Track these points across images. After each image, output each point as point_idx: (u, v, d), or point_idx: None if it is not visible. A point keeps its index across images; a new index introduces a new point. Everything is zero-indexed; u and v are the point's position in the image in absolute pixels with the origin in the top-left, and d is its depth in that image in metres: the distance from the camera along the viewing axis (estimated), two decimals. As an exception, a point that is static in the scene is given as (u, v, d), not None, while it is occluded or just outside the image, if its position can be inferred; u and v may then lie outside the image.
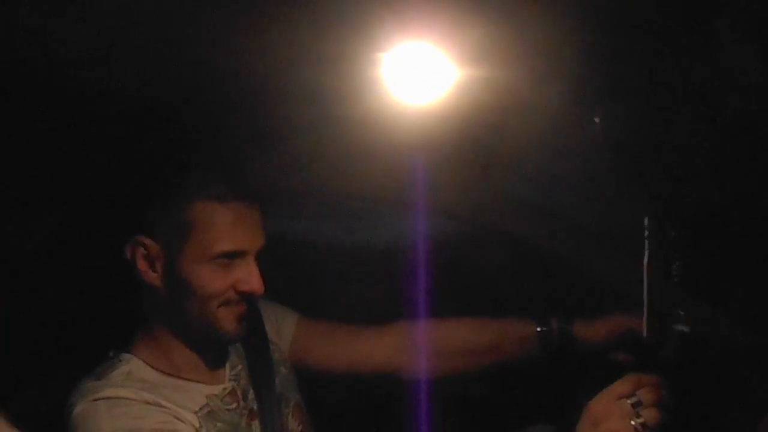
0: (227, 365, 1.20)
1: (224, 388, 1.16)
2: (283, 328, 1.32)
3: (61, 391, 1.07)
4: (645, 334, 1.02)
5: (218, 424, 1.10)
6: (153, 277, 1.10)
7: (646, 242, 0.96)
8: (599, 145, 1.02)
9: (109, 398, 1.02)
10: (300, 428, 1.25)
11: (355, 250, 1.53)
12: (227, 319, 1.10)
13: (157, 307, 1.12)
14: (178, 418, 1.04)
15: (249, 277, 1.09)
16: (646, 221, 0.95)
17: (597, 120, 0.99)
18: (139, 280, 1.10)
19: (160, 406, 1.04)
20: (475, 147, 1.17)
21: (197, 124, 1.18)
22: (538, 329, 1.28)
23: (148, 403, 1.03)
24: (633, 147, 1.01)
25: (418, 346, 1.31)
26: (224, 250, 1.07)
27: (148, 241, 1.09)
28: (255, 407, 1.19)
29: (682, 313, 1.06)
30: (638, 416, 0.97)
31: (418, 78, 1.02)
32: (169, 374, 1.11)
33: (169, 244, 1.08)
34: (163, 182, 1.10)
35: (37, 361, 1.24)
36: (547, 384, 1.36)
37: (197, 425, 1.07)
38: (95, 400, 1.01)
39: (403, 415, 1.25)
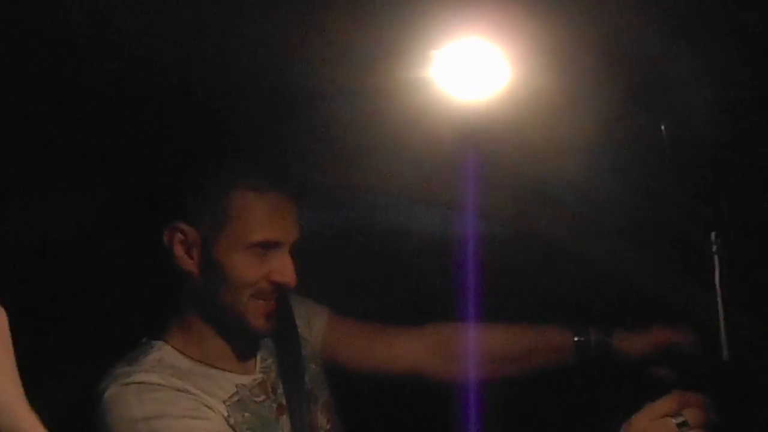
0: (258, 357, 1.20)
1: (254, 379, 1.15)
2: (314, 324, 1.30)
3: (93, 376, 1.06)
4: (724, 352, 0.97)
5: (246, 415, 1.09)
6: (189, 264, 1.10)
7: (716, 257, 0.91)
8: (660, 153, 0.97)
9: (139, 383, 1.02)
10: (329, 426, 1.23)
11: (399, 248, 1.50)
12: (256, 313, 1.10)
13: (191, 295, 1.12)
14: (207, 406, 1.04)
15: (283, 268, 1.09)
16: (713, 236, 0.91)
17: (663, 128, 0.94)
18: (175, 267, 1.11)
19: (190, 393, 1.03)
20: (524, 149, 1.12)
21: (241, 115, 1.16)
22: (576, 339, 1.25)
23: (178, 389, 1.03)
24: (698, 157, 0.96)
25: (451, 350, 1.29)
26: (260, 240, 1.07)
27: (186, 227, 1.09)
28: (284, 402, 1.18)
29: (742, 332, 1.01)
30: (684, 437, 0.94)
31: (469, 76, 0.99)
32: (200, 361, 1.11)
33: (206, 231, 1.08)
34: (204, 170, 1.10)
35: (71, 347, 1.24)
36: (584, 397, 1.32)
37: (225, 414, 1.06)
38: (126, 384, 1.02)
39: (432, 422, 1.23)
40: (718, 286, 0.94)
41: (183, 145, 1.15)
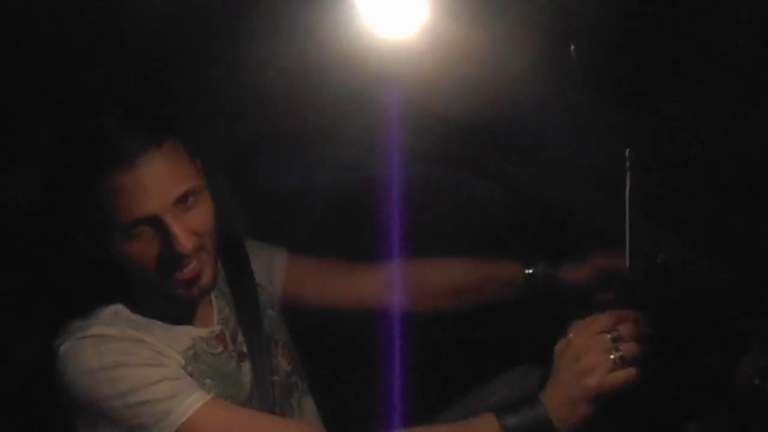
0: (215, 308, 1.19)
1: (212, 331, 1.15)
2: (274, 266, 1.30)
3: (50, 335, 1.06)
4: (627, 269, 1.01)
5: (201, 366, 1.09)
6: (103, 256, 1.05)
7: (627, 174, 0.94)
8: (576, 77, 0.98)
9: (95, 335, 1.01)
10: (290, 368, 1.25)
11: (335, 194, 1.50)
12: (176, 286, 1.05)
13: (124, 275, 1.08)
14: (162, 354, 1.04)
15: (171, 239, 1.00)
16: (627, 153, 0.93)
17: (572, 49, 0.94)
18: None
19: (146, 342, 1.03)
20: (452, 85, 1.12)
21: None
22: (526, 272, 1.27)
23: (134, 339, 1.02)
24: (612, 78, 0.97)
25: (406, 283, 1.30)
26: (127, 221, 0.99)
27: (83, 230, 1.04)
28: (244, 349, 1.18)
29: (661, 249, 1.04)
30: (617, 350, 0.97)
31: (392, 12, 0.97)
32: (157, 318, 1.10)
33: (95, 230, 1.02)
34: (62, 179, 1.03)
35: (29, 311, 1.23)
36: (530, 326, 1.35)
37: (183, 363, 1.06)
38: (82, 337, 1.01)
39: (388, 354, 1.25)
40: (627, 201, 0.96)
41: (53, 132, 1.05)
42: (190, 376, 1.06)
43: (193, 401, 0.99)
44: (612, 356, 0.97)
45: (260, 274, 1.29)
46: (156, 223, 1.00)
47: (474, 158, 1.28)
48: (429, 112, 1.19)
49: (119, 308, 1.08)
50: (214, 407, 1.01)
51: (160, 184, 0.99)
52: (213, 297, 1.20)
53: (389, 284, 1.31)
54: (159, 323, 1.09)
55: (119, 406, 0.97)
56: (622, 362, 0.97)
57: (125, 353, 1.00)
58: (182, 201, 1.01)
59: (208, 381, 1.08)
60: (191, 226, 1.02)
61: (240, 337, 1.19)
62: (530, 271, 1.27)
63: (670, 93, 0.96)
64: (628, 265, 1.01)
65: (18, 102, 1.14)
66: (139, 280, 1.07)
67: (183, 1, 1.02)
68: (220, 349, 1.15)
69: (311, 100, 1.20)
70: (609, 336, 0.98)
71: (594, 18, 0.94)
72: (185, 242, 1.00)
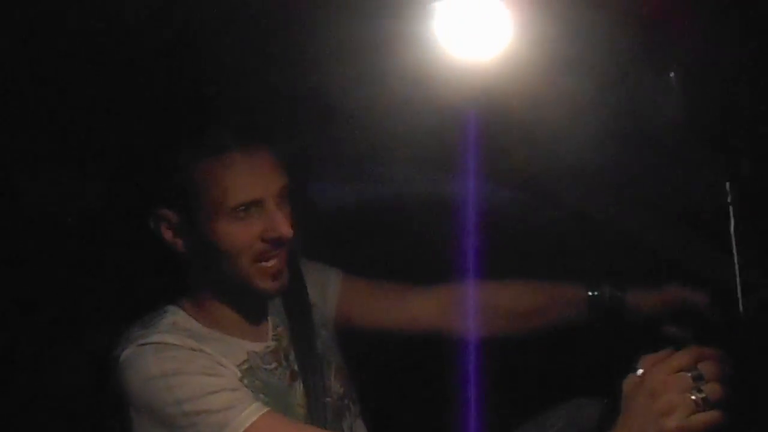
0: (270, 325, 1.18)
1: (267, 346, 1.14)
2: (328, 287, 1.29)
3: (110, 343, 1.05)
4: (740, 307, 0.93)
5: (256, 381, 1.08)
6: (181, 245, 1.08)
7: (731, 208, 0.87)
8: (669, 105, 0.92)
9: (156, 343, 1.01)
10: (342, 390, 1.22)
11: (402, 214, 1.46)
12: (261, 276, 1.07)
13: (193, 272, 1.10)
14: (220, 365, 1.03)
15: (272, 223, 1.05)
16: (728, 186, 0.86)
17: (672, 75, 0.89)
18: (170, 249, 1.08)
19: (204, 352, 1.03)
20: (529, 108, 1.08)
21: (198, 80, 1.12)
22: (589, 293, 1.22)
23: (193, 349, 1.02)
24: (709, 106, 0.91)
25: (465, 306, 1.27)
26: (236, 203, 1.03)
27: (166, 212, 1.07)
28: (296, 368, 1.16)
29: (757, 288, 0.96)
30: (699, 391, 0.90)
31: (472, 31, 0.94)
32: (212, 328, 1.10)
33: (185, 211, 1.06)
34: (160, 152, 1.07)
35: (88, 319, 1.23)
36: (595, 355, 1.29)
37: (239, 375, 1.06)
38: (143, 345, 1.01)
39: (446, 380, 1.20)
40: (733, 239, 0.90)
41: (136, 133, 1.12)
42: (246, 387, 1.05)
43: (249, 413, 0.98)
44: (693, 397, 0.90)
45: (314, 293, 1.27)
46: (260, 207, 1.04)
47: (554, 189, 1.23)
48: (508, 137, 1.14)
49: (178, 317, 1.08)
50: (270, 420, 0.99)
51: (268, 173, 1.06)
52: (269, 312, 1.18)
53: (447, 308, 1.27)
54: (215, 334, 1.09)
55: (177, 414, 0.96)
56: (705, 404, 0.90)
57: (184, 362, 1.00)
58: (281, 195, 1.07)
59: (262, 396, 1.06)
60: (286, 219, 1.07)
61: (292, 356, 1.17)
62: (595, 293, 1.21)
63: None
64: (741, 310, 0.93)
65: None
66: (217, 274, 1.07)
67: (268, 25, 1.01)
68: (274, 365, 1.13)
69: (384, 121, 1.17)
70: (689, 374, 0.91)
71: (699, 42, 0.89)
72: (286, 227, 1.05)
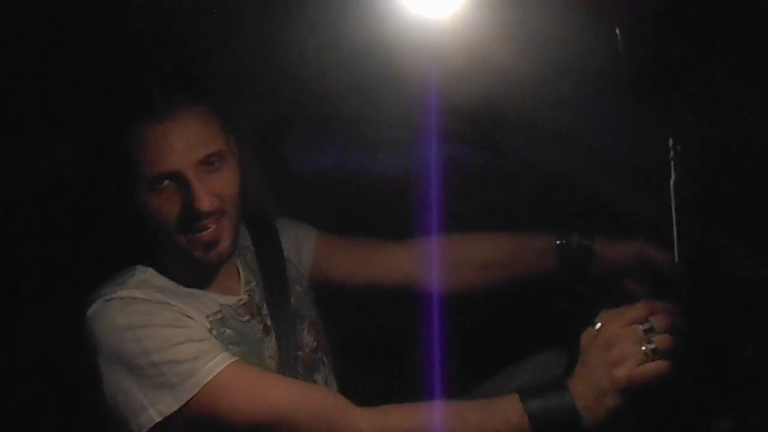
0: (242, 280, 1.19)
1: (239, 299, 1.15)
2: (303, 244, 1.30)
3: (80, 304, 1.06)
4: (671, 262, 0.96)
5: (227, 331, 1.09)
6: (129, 210, 1.05)
7: (672, 164, 0.89)
8: (621, 64, 0.92)
9: (122, 298, 1.01)
10: (315, 344, 1.24)
11: (368, 175, 1.47)
12: (193, 246, 1.05)
13: (150, 233, 1.08)
14: (188, 316, 1.03)
15: (191, 195, 1.01)
16: (671, 142, 0.87)
17: (618, 33, 0.89)
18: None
19: (171, 305, 1.03)
20: (490, 68, 1.08)
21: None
22: (557, 242, 1.23)
23: (159, 302, 1.02)
24: (656, 64, 0.92)
25: (438, 260, 1.28)
26: (151, 175, 1.00)
27: (110, 181, 1.05)
28: (269, 323, 1.17)
29: (708, 244, 0.99)
30: (650, 342, 0.93)
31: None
32: (182, 284, 1.10)
33: (115, 179, 1.04)
34: (84, 127, 1.06)
35: (57, 280, 1.24)
36: (557, 312, 1.32)
37: (208, 326, 1.06)
38: (109, 299, 1.01)
39: (414, 334, 1.22)
40: (672, 192, 0.92)
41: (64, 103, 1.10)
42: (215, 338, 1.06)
43: (217, 363, 0.99)
44: (644, 348, 0.93)
45: (289, 250, 1.28)
46: (180, 180, 1.01)
47: (508, 142, 1.24)
48: (465, 94, 1.14)
49: (147, 275, 1.08)
50: (238, 369, 1.00)
51: (188, 142, 1.00)
52: (240, 268, 1.19)
53: (419, 260, 1.28)
54: (186, 290, 1.09)
55: (145, 364, 0.97)
56: (654, 354, 0.93)
57: (151, 314, 1.00)
58: (207, 163, 1.02)
59: (232, 347, 1.07)
60: (213, 189, 1.02)
61: (265, 310, 1.18)
62: (563, 240, 1.23)
63: (719, 77, 0.90)
64: (676, 257, 0.96)
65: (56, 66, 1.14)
66: (163, 240, 1.06)
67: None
68: (247, 317, 1.14)
69: (345, 80, 1.16)
70: (641, 327, 0.94)
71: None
72: (204, 200, 1.00)
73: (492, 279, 1.27)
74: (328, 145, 1.48)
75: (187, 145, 1.00)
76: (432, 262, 1.27)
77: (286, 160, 1.58)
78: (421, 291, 1.27)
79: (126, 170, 1.01)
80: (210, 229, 1.04)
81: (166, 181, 1.01)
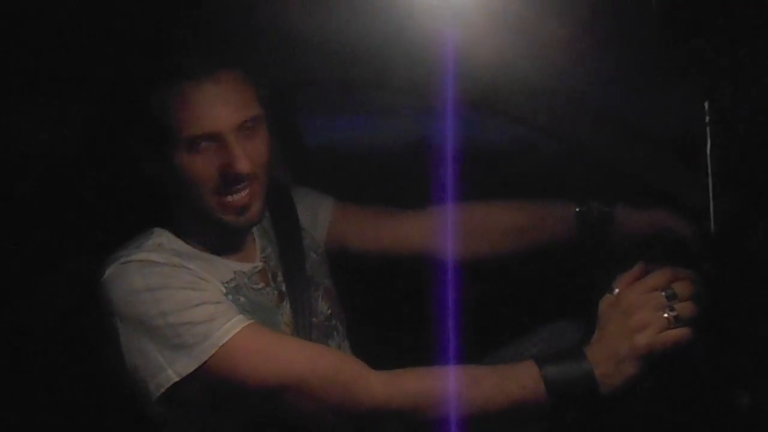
0: (258, 246, 1.18)
1: (254, 267, 1.14)
2: (319, 212, 1.28)
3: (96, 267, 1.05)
4: (712, 229, 0.92)
5: (241, 299, 1.08)
6: (154, 176, 1.06)
7: (708, 129, 0.84)
8: (650, 24, 0.88)
9: (140, 260, 1.01)
10: (329, 312, 1.22)
11: (384, 143, 1.44)
12: (224, 210, 1.05)
13: (174, 198, 1.09)
14: (204, 280, 1.03)
15: (230, 158, 1.01)
16: (706, 105, 0.83)
17: None
18: (151, 175, 1.07)
19: (188, 269, 1.02)
20: (510, 32, 1.03)
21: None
22: (577, 209, 1.21)
23: (176, 266, 1.02)
24: (691, 22, 0.87)
25: (455, 227, 1.26)
26: (191, 135, 1.00)
27: (135, 144, 1.06)
28: (284, 289, 1.16)
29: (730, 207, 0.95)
30: (672, 309, 0.91)
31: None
32: (198, 249, 1.09)
33: (148, 140, 1.04)
34: (122, 85, 1.05)
35: (75, 245, 1.22)
36: (573, 281, 1.29)
37: (223, 291, 1.05)
38: (126, 262, 1.01)
39: (432, 303, 1.20)
40: (708, 161, 0.88)
41: (110, 60, 1.08)
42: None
43: (233, 324, 0.98)
44: (666, 315, 0.90)
45: (305, 218, 1.27)
46: (219, 141, 1.01)
47: (530, 109, 1.20)
48: (484, 57, 1.10)
49: (164, 238, 1.07)
50: (253, 331, 0.99)
51: (228, 104, 1.01)
52: (256, 236, 1.18)
53: (435, 228, 1.26)
54: (202, 254, 1.09)
55: (162, 325, 0.97)
56: (676, 322, 0.90)
57: (168, 276, 1.00)
58: (245, 127, 1.03)
59: (247, 315, 1.05)
60: (250, 153, 1.03)
61: (280, 277, 1.17)
62: (583, 207, 1.20)
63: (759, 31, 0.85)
64: (713, 226, 0.92)
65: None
66: (187, 203, 1.06)
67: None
68: (261, 285, 1.13)
69: (360, 44, 1.13)
70: (663, 294, 0.91)
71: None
72: (243, 163, 1.01)
73: (509, 247, 1.25)
74: (342, 112, 1.44)
75: (228, 108, 1.01)
76: (448, 229, 1.25)
77: (300, 127, 1.56)
78: (437, 259, 1.25)
79: (161, 130, 1.01)
80: (242, 193, 1.04)
81: (204, 143, 1.01)
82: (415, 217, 1.27)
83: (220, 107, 1.00)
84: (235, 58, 1.03)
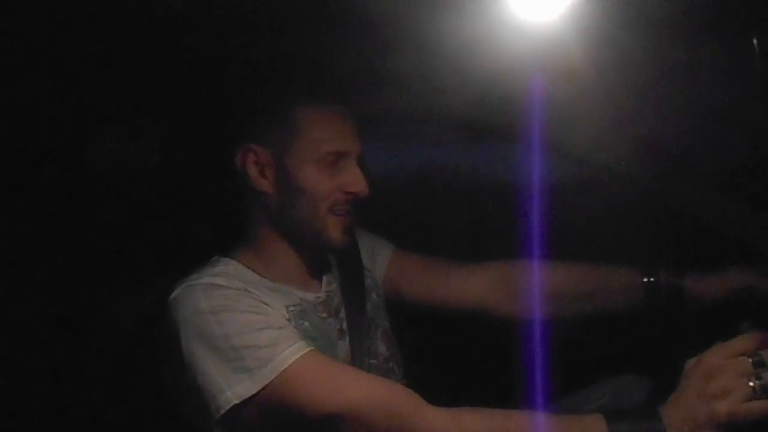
0: (323, 280, 1.17)
1: (317, 297, 1.13)
2: (378, 257, 1.28)
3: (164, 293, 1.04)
4: None
5: (306, 324, 1.07)
6: (264, 184, 1.08)
7: None
8: (753, 75, 0.82)
9: (205, 284, 1.01)
10: (388, 354, 1.20)
11: (460, 181, 1.41)
12: (334, 227, 1.09)
13: (266, 214, 1.10)
14: (267, 305, 1.02)
15: (354, 178, 1.07)
16: None
17: (755, 42, 0.79)
18: (249, 188, 1.09)
19: (251, 293, 1.02)
20: (594, 73, 1.00)
21: (304, 36, 1.09)
22: (644, 280, 1.15)
23: (240, 289, 1.02)
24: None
25: (515, 286, 1.22)
26: (330, 150, 1.06)
27: (257, 148, 1.08)
28: (345, 327, 1.14)
29: None
30: (759, 378, 0.84)
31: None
32: (265, 277, 1.09)
33: (278, 149, 1.07)
34: (269, 90, 1.09)
35: (141, 270, 1.23)
36: (651, 336, 1.22)
37: (286, 316, 1.04)
38: (192, 285, 1.01)
39: (494, 349, 1.16)
40: None
41: (247, 68, 1.11)
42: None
43: (294, 350, 0.96)
44: (751, 383, 0.84)
45: (365, 259, 1.26)
46: (346, 161, 1.07)
47: (602, 152, 1.15)
48: (570, 103, 1.06)
49: (230, 267, 1.08)
50: (314, 358, 0.98)
51: (356, 132, 1.10)
52: (322, 269, 1.17)
53: (497, 286, 1.23)
54: (267, 283, 1.08)
55: (226, 347, 0.96)
56: (762, 392, 0.83)
57: (232, 299, 1.00)
58: (360, 158, 1.10)
59: (308, 341, 1.03)
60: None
61: (342, 314, 1.15)
62: (651, 279, 1.15)
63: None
64: None
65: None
66: (291, 221, 1.08)
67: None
68: (325, 315, 1.12)
69: (444, 82, 1.11)
70: (750, 360, 0.85)
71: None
72: (365, 185, 1.07)
73: (571, 312, 1.21)
74: (413, 148, 1.42)
75: (356, 134, 1.09)
76: (510, 289, 1.22)
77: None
78: (495, 317, 1.22)
79: (302, 142, 1.05)
80: (348, 215, 1.09)
81: (334, 159, 1.06)
82: (473, 273, 1.24)
83: (351, 131, 1.08)
84: (348, 92, 1.11)
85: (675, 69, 0.94)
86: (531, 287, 1.21)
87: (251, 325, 0.97)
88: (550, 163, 1.18)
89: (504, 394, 1.00)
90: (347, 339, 1.13)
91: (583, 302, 1.19)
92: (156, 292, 1.05)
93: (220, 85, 1.15)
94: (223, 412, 0.95)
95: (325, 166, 1.06)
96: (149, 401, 1.14)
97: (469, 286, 1.23)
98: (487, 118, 1.20)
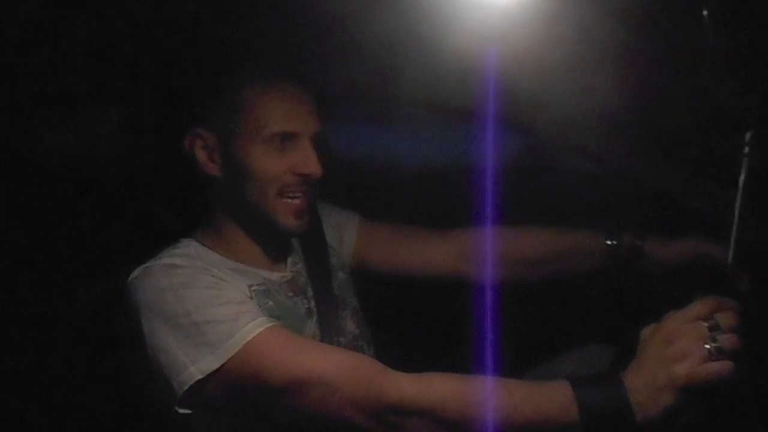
0: (288, 261, 1.16)
1: (282, 276, 1.12)
2: (345, 230, 1.27)
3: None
4: (730, 259, 0.88)
5: (269, 303, 1.06)
6: (212, 167, 1.07)
7: (745, 159, 0.81)
8: (700, 45, 0.84)
9: (165, 264, 1.01)
10: (357, 332, 1.20)
11: (423, 161, 1.41)
12: (285, 212, 1.06)
13: (219, 198, 1.09)
14: (227, 282, 1.01)
15: (305, 159, 1.04)
16: (748, 136, 0.79)
17: (704, 13, 0.80)
18: (199, 172, 1.07)
19: (210, 271, 1.01)
20: (550, 50, 1.00)
21: (250, 15, 1.08)
22: (608, 242, 1.18)
23: (200, 268, 1.01)
24: (741, 46, 0.83)
25: (483, 251, 1.23)
26: (276, 131, 1.03)
27: (204, 132, 1.06)
28: (312, 306, 1.14)
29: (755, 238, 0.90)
30: (714, 340, 0.86)
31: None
32: (229, 258, 1.08)
33: (224, 132, 1.05)
34: (211, 72, 1.06)
35: (102, 256, 1.21)
36: (609, 305, 1.24)
37: (249, 294, 1.03)
38: (150, 266, 1.01)
39: (462, 323, 1.16)
40: (740, 189, 0.84)
41: (191, 51, 1.10)
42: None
43: (256, 324, 0.95)
44: (707, 346, 0.86)
45: (331, 236, 1.25)
46: (296, 142, 1.03)
47: (573, 134, 1.16)
48: (526, 80, 1.07)
49: (191, 249, 1.06)
50: (277, 331, 0.96)
51: (312, 111, 1.05)
52: (285, 250, 1.16)
53: (462, 252, 1.23)
54: (230, 263, 1.07)
55: (186, 323, 0.95)
56: (718, 353, 0.86)
57: (192, 277, 0.99)
58: (316, 137, 1.06)
59: (274, 319, 1.02)
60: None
61: (310, 293, 1.15)
62: (614, 242, 1.17)
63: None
64: (730, 256, 0.88)
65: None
66: (242, 205, 1.06)
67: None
68: (291, 294, 1.11)
69: (410, 62, 1.11)
70: (706, 324, 0.87)
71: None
72: (317, 166, 1.03)
73: (537, 275, 1.22)
74: (372, 128, 1.42)
75: (311, 114, 1.05)
76: (477, 254, 1.22)
77: (329, 142, 1.54)
78: (462, 282, 1.22)
79: (245, 123, 1.02)
80: (301, 198, 1.06)
81: (281, 140, 1.02)
82: (440, 240, 1.24)
83: (302, 111, 1.04)
84: (304, 69, 1.07)
85: (625, 46, 0.95)
86: (498, 252, 1.22)
87: (212, 300, 0.96)
88: (516, 140, 1.19)
89: (474, 370, 1.01)
90: (315, 318, 1.12)
91: (548, 265, 1.21)
92: (119, 280, 1.04)
93: (167, 70, 1.13)
94: (186, 387, 0.94)
95: (273, 148, 1.02)
96: (116, 388, 1.13)
97: (436, 252, 1.23)
98: (450, 98, 1.20)
